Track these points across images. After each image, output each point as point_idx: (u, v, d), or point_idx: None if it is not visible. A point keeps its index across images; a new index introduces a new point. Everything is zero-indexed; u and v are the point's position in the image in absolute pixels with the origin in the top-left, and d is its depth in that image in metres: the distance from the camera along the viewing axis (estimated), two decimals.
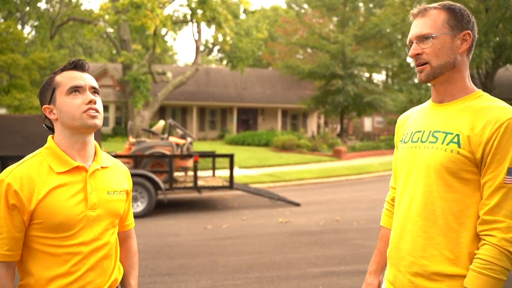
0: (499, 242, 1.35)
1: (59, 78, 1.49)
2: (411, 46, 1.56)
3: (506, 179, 1.37)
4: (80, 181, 1.48)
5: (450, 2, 1.53)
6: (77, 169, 1.48)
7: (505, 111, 1.41)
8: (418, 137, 1.58)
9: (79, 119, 1.46)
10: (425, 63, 1.52)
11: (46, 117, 1.54)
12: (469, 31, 1.51)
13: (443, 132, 1.50)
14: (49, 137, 1.54)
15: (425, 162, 1.51)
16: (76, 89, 1.47)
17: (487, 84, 23.71)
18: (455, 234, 1.44)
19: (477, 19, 20.92)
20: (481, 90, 1.54)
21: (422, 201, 1.51)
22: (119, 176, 1.65)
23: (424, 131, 1.57)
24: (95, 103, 1.48)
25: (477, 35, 1.56)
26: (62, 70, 1.51)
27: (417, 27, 1.54)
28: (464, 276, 1.43)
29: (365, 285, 1.83)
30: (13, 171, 1.41)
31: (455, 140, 1.45)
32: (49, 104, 1.49)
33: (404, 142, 1.64)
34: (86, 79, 1.49)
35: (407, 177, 1.59)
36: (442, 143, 1.48)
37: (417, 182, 1.53)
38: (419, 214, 1.52)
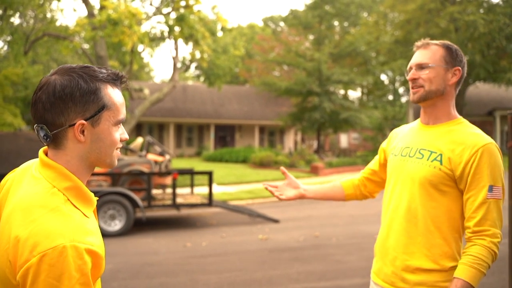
0: (488, 244, 1.63)
1: (110, 95, 1.15)
2: (410, 71, 1.84)
3: (488, 196, 1.65)
4: (94, 217, 1.20)
5: (449, 42, 1.82)
6: None
7: (480, 138, 1.70)
8: (407, 152, 1.86)
9: (110, 156, 1.18)
10: (420, 87, 1.79)
11: (54, 129, 1.11)
12: (460, 68, 1.80)
13: (428, 150, 1.78)
14: (59, 165, 1.12)
15: (411, 174, 1.79)
16: (122, 121, 1.20)
17: (458, 100, 24.40)
18: (432, 236, 1.73)
19: (448, 38, 21.64)
20: (462, 117, 1.82)
21: (407, 206, 1.78)
22: None
23: (412, 148, 1.84)
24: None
25: (465, 74, 1.84)
26: (109, 81, 1.16)
27: (418, 56, 1.82)
28: (436, 270, 1.72)
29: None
30: (68, 229, 1.02)
31: (438, 158, 1.73)
32: (86, 120, 1.12)
33: (395, 155, 1.92)
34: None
35: (395, 184, 1.87)
36: (427, 159, 1.76)
37: (403, 189, 1.81)
38: (404, 217, 1.79)
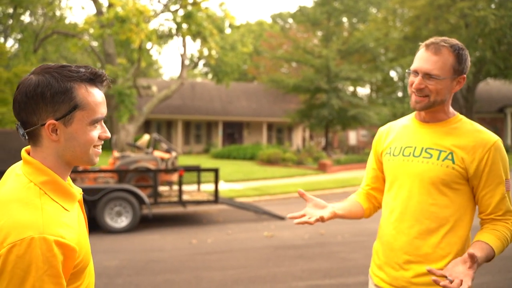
0: (511, 227, 1.69)
1: (84, 95, 1.15)
2: (415, 73, 1.74)
3: (506, 190, 1.70)
4: (78, 210, 1.24)
5: (459, 44, 1.72)
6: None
7: (488, 136, 1.72)
8: (410, 152, 1.81)
9: (87, 154, 1.19)
10: (425, 96, 1.72)
11: (28, 127, 1.14)
12: (465, 76, 1.75)
13: (436, 150, 1.75)
14: (35, 161, 1.15)
15: (420, 175, 1.75)
16: (99, 120, 1.19)
17: (468, 97, 24.16)
18: (447, 235, 1.72)
19: (458, 34, 21.41)
20: (458, 113, 1.82)
21: (418, 208, 1.75)
22: None
23: (415, 147, 1.80)
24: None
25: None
26: (84, 80, 1.16)
27: (427, 63, 1.70)
28: None
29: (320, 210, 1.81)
30: (39, 222, 1.05)
31: (449, 157, 1.72)
32: (57, 120, 1.13)
33: (394, 155, 1.85)
34: (105, 106, 1.22)
35: (400, 186, 1.81)
36: (438, 159, 1.73)
37: (412, 190, 1.76)
38: (415, 219, 1.75)
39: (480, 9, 20.17)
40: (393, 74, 32.23)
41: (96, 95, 1.18)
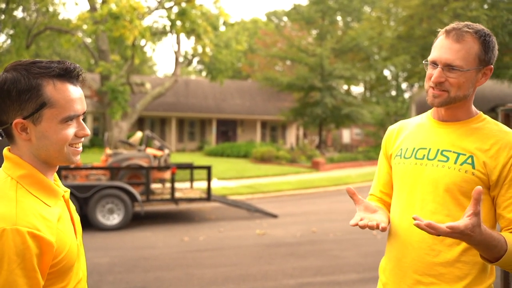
0: None
1: (52, 92, 1.11)
2: (433, 64, 1.51)
3: None
4: (63, 208, 1.20)
5: (485, 30, 1.48)
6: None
7: None
8: (424, 154, 1.56)
9: (64, 153, 1.15)
10: (445, 91, 1.49)
11: (2, 126, 1.13)
12: (492, 66, 1.51)
13: (454, 152, 1.50)
14: (14, 156, 1.14)
15: (434, 181, 1.51)
16: (73, 118, 1.15)
17: None
18: (466, 253, 1.45)
19: None
20: (482, 112, 1.58)
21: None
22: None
23: (430, 149, 1.55)
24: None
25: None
26: (53, 76, 1.12)
27: (448, 52, 1.46)
28: None
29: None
30: (12, 214, 1.04)
31: (469, 161, 1.47)
32: (25, 119, 1.10)
33: (405, 158, 1.61)
34: (83, 102, 1.17)
35: (410, 194, 1.57)
36: (455, 163, 1.48)
37: (425, 199, 1.52)
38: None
39: (473, 9, 20.28)
40: (386, 73, 32.35)
41: (68, 92, 1.13)
